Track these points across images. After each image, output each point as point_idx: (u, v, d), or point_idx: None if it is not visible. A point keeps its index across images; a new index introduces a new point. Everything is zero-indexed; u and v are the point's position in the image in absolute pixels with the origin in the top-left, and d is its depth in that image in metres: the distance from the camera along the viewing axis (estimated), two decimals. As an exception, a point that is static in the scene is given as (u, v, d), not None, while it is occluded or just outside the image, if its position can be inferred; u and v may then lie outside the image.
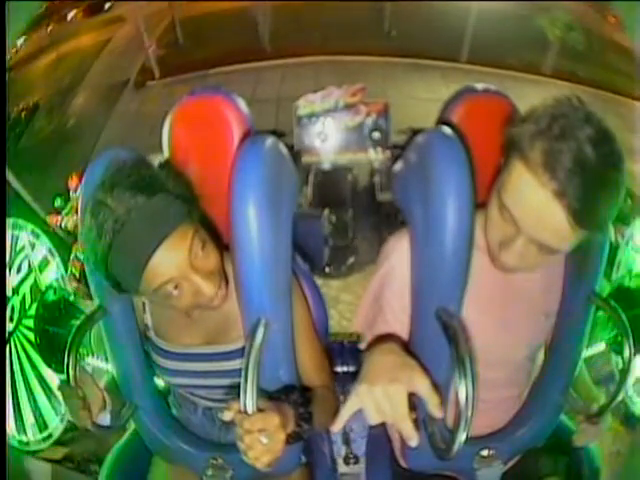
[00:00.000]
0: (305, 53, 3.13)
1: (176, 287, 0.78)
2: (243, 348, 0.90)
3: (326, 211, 2.13)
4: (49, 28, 2.96)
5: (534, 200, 0.71)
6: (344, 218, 2.19)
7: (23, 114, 2.54)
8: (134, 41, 3.36)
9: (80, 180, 1.80)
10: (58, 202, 1.90)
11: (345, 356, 1.31)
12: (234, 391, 0.93)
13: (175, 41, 3.49)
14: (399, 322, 0.92)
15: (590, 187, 0.68)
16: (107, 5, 3.45)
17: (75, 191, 1.91)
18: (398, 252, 0.91)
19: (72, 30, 3.24)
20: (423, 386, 0.67)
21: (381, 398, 0.66)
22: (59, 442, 1.62)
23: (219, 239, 0.86)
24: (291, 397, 0.83)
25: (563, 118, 0.70)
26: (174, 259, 0.75)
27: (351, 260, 1.99)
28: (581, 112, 0.71)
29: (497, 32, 3.07)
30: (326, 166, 2.20)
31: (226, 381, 0.94)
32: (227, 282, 0.85)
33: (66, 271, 1.67)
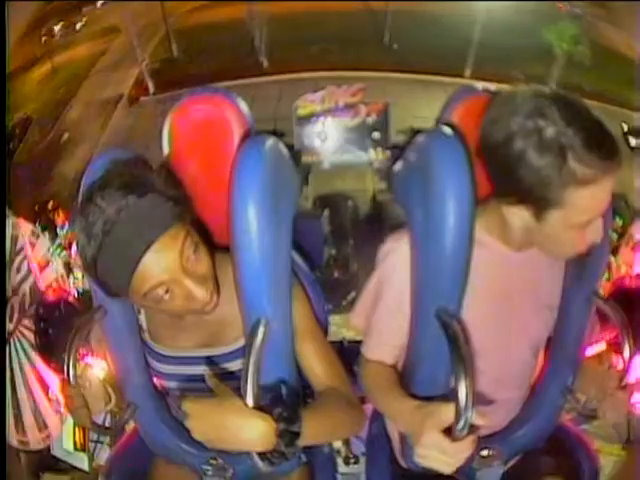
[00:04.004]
0: (303, 68, 3.07)
1: (167, 291, 0.76)
2: (239, 350, 0.90)
3: (326, 211, 2.12)
4: (44, 38, 2.96)
5: (605, 191, 0.74)
6: (345, 251, 2.14)
7: (17, 127, 2.53)
8: (128, 55, 3.32)
9: (66, 216, 1.79)
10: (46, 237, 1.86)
11: (345, 356, 1.31)
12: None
13: (170, 55, 3.46)
14: (397, 322, 0.92)
15: (610, 142, 0.73)
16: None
17: (62, 227, 1.88)
18: (397, 252, 0.90)
19: (67, 40, 3.22)
20: (451, 413, 0.72)
21: (431, 451, 0.72)
22: (60, 471, 1.63)
23: (211, 243, 0.85)
24: (275, 410, 0.75)
25: (549, 126, 0.71)
26: (165, 262, 0.74)
27: (352, 295, 1.93)
28: (549, 108, 0.72)
29: (502, 46, 3.03)
30: (326, 166, 2.19)
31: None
32: (219, 288, 0.84)
33: (66, 271, 1.67)
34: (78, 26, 3.40)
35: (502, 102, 0.77)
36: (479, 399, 0.74)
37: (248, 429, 0.72)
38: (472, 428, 0.72)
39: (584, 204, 0.74)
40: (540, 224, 0.78)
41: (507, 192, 0.79)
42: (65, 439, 1.62)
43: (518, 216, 0.79)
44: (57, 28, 3.28)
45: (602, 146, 0.71)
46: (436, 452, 0.72)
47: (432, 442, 0.72)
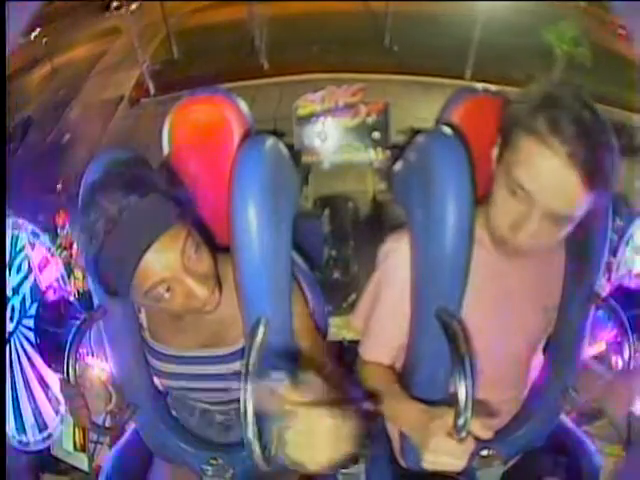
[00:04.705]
0: (303, 69, 3.07)
1: (168, 289, 0.76)
2: (239, 351, 0.90)
3: (326, 211, 2.12)
4: (44, 39, 2.96)
5: (548, 169, 0.73)
6: (345, 252, 2.12)
7: (18, 128, 2.53)
8: (129, 56, 3.32)
9: (67, 216, 1.78)
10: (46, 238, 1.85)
11: (345, 356, 1.31)
12: (231, 394, 0.93)
13: (170, 56, 3.46)
14: (396, 322, 0.92)
15: (594, 147, 0.71)
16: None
17: (63, 228, 1.88)
18: (397, 252, 0.91)
19: (67, 41, 3.22)
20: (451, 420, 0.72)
21: (441, 457, 0.73)
22: (60, 472, 1.64)
23: (213, 243, 0.85)
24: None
25: (555, 93, 0.74)
26: (166, 260, 0.75)
27: (352, 296, 1.90)
28: (569, 89, 0.75)
29: (502, 47, 3.02)
30: (326, 166, 2.19)
31: (222, 384, 0.92)
32: (221, 288, 0.84)
33: (66, 271, 1.67)
34: (133, 6, 3.39)
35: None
36: (477, 399, 0.74)
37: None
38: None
39: (524, 157, 0.74)
40: (497, 166, 0.80)
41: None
42: (65, 439, 1.62)
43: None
44: (114, 4, 3.28)
45: (584, 133, 0.71)
46: (445, 457, 0.73)
47: (440, 447, 0.72)
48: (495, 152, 0.82)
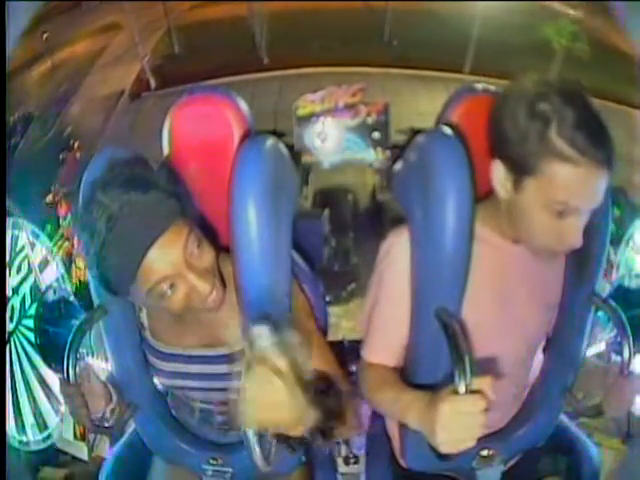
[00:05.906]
0: (303, 64, 3.07)
1: (171, 286, 0.76)
2: (240, 351, 0.90)
3: (326, 211, 2.12)
4: (45, 35, 2.95)
5: (585, 181, 0.75)
6: (345, 242, 2.14)
7: (19, 124, 2.53)
8: (129, 51, 3.32)
9: (69, 207, 1.79)
10: (48, 229, 1.83)
11: (346, 356, 1.31)
12: (231, 394, 0.93)
13: (171, 51, 3.46)
14: (398, 319, 0.92)
15: (608, 143, 0.75)
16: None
17: (64, 218, 1.88)
18: (398, 245, 0.90)
19: (68, 37, 3.22)
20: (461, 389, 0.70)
21: (450, 425, 0.69)
22: (58, 465, 1.64)
23: (215, 240, 0.85)
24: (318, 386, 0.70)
25: (544, 102, 0.74)
26: (169, 256, 0.74)
27: (352, 286, 1.95)
28: (553, 89, 0.75)
29: (501, 42, 3.03)
30: (326, 166, 2.20)
31: (222, 384, 0.91)
32: (224, 286, 0.84)
33: (68, 263, 1.67)
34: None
35: (514, 85, 0.81)
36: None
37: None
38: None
39: (560, 181, 0.75)
40: (517, 195, 0.79)
41: (495, 148, 0.81)
42: (65, 429, 1.63)
43: (502, 186, 0.81)
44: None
45: (591, 132, 0.73)
46: (456, 420, 0.69)
47: (447, 411, 0.68)
48: (501, 180, 0.81)
